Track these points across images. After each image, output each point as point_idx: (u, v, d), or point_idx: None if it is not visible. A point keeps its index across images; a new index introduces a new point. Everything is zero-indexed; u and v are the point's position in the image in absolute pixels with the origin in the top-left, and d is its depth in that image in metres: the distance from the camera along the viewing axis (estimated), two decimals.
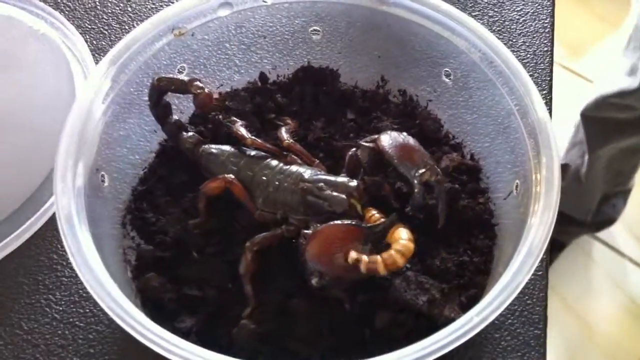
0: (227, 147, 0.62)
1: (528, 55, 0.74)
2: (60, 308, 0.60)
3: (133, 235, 0.61)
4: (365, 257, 0.49)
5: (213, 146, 0.62)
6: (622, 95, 1.16)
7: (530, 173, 0.54)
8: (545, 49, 0.74)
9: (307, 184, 0.57)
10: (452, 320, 0.49)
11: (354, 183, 0.55)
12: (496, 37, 0.60)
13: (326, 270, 0.51)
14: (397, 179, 0.60)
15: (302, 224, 0.56)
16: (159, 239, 0.60)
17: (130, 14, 0.77)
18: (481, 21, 0.75)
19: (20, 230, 0.63)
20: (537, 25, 0.76)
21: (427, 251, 0.57)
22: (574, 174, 1.32)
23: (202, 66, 0.66)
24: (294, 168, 0.59)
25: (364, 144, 0.57)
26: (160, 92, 0.61)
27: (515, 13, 0.77)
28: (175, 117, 0.64)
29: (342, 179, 0.56)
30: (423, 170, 0.55)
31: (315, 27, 0.67)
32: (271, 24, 0.67)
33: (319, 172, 0.58)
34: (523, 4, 0.77)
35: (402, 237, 0.50)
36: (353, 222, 0.51)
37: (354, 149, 0.58)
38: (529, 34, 0.75)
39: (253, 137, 0.62)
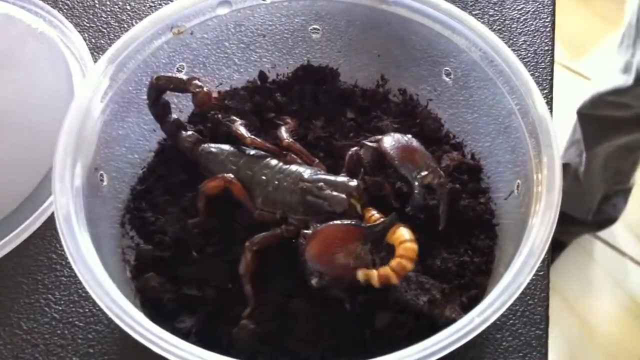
0: (226, 146, 0.62)
1: (529, 55, 0.73)
2: (60, 308, 0.59)
3: (132, 234, 0.60)
4: (374, 272, 0.49)
5: (212, 145, 0.62)
6: (617, 92, 1.16)
7: (531, 173, 0.54)
8: (546, 48, 0.74)
9: (306, 183, 0.56)
10: (453, 320, 0.48)
11: (353, 183, 0.55)
12: (497, 36, 0.60)
13: (326, 270, 0.51)
14: (397, 179, 0.60)
15: (301, 223, 0.56)
16: (158, 239, 0.60)
17: (129, 12, 0.77)
18: (482, 20, 0.75)
19: (19, 230, 0.63)
20: (537, 24, 0.75)
21: (427, 251, 0.57)
22: (572, 173, 1.32)
23: (201, 65, 0.66)
24: (293, 167, 0.58)
25: (368, 143, 0.57)
26: (159, 91, 0.61)
27: (516, 12, 0.76)
28: (174, 116, 0.63)
29: (342, 178, 0.56)
30: (425, 172, 0.54)
31: (314, 26, 0.67)
32: (270, 23, 0.67)
33: (318, 172, 0.58)
34: (524, 3, 0.77)
35: (404, 237, 0.49)
36: (353, 222, 0.51)
37: (354, 149, 0.58)
38: (529, 33, 0.75)
39: (252, 136, 0.61)
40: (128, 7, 0.77)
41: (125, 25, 0.76)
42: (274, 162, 0.59)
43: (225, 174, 0.58)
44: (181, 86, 0.60)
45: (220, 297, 0.56)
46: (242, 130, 0.62)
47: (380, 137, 0.56)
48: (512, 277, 0.48)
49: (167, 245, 0.59)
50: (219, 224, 0.60)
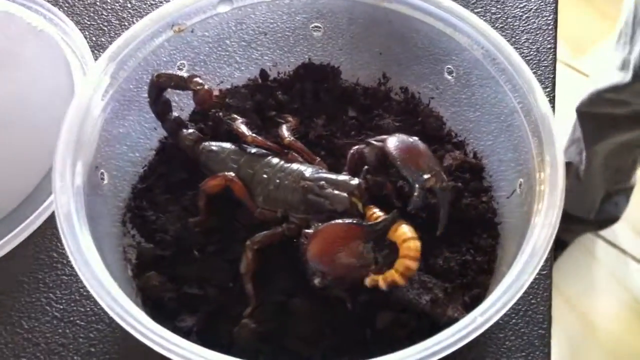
0: (227, 145, 0.61)
1: (531, 53, 0.73)
2: (61, 307, 0.59)
3: (133, 233, 0.60)
4: (380, 277, 0.49)
5: (213, 143, 0.62)
6: (615, 90, 1.15)
7: (533, 171, 0.54)
8: (549, 46, 0.73)
9: (308, 182, 0.56)
10: (456, 320, 0.48)
11: (355, 181, 0.55)
12: (499, 34, 0.60)
13: (328, 270, 0.50)
14: (400, 179, 0.59)
15: (302, 222, 0.56)
16: (159, 237, 0.59)
17: (129, 10, 0.77)
18: (484, 18, 0.75)
19: (19, 229, 0.62)
20: (540, 22, 0.75)
21: (430, 250, 0.56)
22: (573, 171, 1.32)
23: (202, 63, 0.66)
24: (294, 166, 0.58)
25: (373, 142, 0.56)
26: (159, 89, 0.61)
27: (518, 10, 0.76)
28: (175, 114, 0.63)
29: (343, 177, 0.56)
30: (428, 176, 0.54)
31: (316, 24, 0.67)
32: (272, 21, 0.66)
33: (320, 170, 0.58)
34: (526, 1, 0.77)
35: (406, 235, 0.49)
36: (354, 221, 0.51)
37: (357, 147, 0.58)
38: (532, 30, 0.74)
39: (254, 135, 0.61)
40: (129, 5, 0.77)
41: (126, 23, 0.76)
42: (275, 160, 0.59)
43: (226, 173, 0.58)
44: (182, 84, 0.60)
45: (221, 296, 0.56)
46: (243, 128, 0.61)
47: (386, 137, 0.56)
48: (514, 276, 0.48)
49: (168, 244, 0.59)
50: (219, 223, 0.59)
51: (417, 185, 0.53)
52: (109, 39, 0.74)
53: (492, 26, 0.63)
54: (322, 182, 0.56)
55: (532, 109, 0.56)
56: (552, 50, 0.73)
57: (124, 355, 0.57)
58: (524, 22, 0.75)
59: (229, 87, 0.68)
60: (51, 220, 0.63)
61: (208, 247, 0.59)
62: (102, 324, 0.58)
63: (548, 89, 0.70)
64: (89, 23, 0.76)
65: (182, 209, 0.61)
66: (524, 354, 0.56)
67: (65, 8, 0.76)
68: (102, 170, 0.57)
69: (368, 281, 0.50)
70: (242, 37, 0.66)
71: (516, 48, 0.71)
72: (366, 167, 0.56)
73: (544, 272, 0.59)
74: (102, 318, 0.58)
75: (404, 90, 0.68)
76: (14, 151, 0.68)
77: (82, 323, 0.58)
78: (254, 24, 0.66)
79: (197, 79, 0.60)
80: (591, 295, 1.47)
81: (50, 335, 0.58)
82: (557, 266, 1.44)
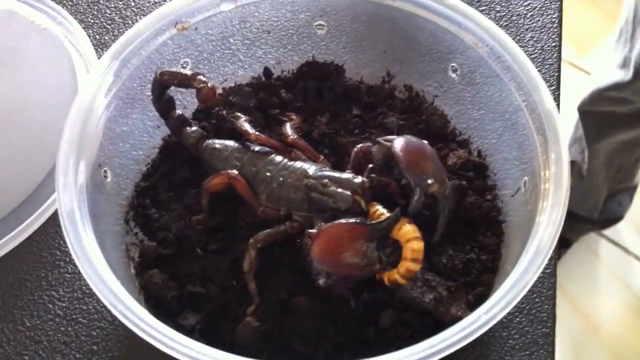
0: (231, 142, 0.61)
1: (536, 51, 0.73)
2: (63, 305, 0.59)
3: (136, 231, 0.60)
4: (386, 276, 0.50)
5: (217, 141, 0.62)
6: (616, 88, 1.15)
7: (538, 169, 0.53)
8: (553, 44, 0.73)
9: (311, 180, 0.56)
10: (459, 318, 0.48)
11: (358, 180, 0.55)
12: (503, 32, 0.59)
13: (332, 270, 0.50)
14: (404, 177, 0.59)
15: (306, 220, 0.56)
16: (162, 236, 0.59)
17: (133, 9, 0.77)
18: (488, 16, 0.74)
19: (22, 227, 0.62)
20: (544, 20, 0.75)
21: (433, 249, 0.56)
22: (576, 170, 1.32)
23: (206, 61, 0.65)
24: (298, 164, 0.58)
25: (382, 142, 0.56)
26: (163, 86, 0.61)
27: (523, 7, 0.76)
28: (178, 111, 0.63)
29: (346, 175, 0.56)
30: (431, 181, 0.53)
31: (320, 22, 0.67)
32: (275, 19, 0.66)
33: (323, 169, 0.57)
34: None
35: (409, 235, 0.49)
36: (357, 221, 0.51)
37: (360, 145, 0.58)
38: (536, 28, 0.74)
39: (257, 133, 0.61)
40: (132, 3, 0.77)
41: (129, 22, 0.76)
42: (278, 158, 0.59)
43: (229, 171, 0.58)
44: (185, 81, 0.60)
45: (223, 294, 0.56)
46: (247, 126, 0.61)
47: (395, 137, 0.55)
48: (519, 275, 0.48)
49: (171, 242, 0.59)
50: (222, 221, 0.59)
51: (418, 189, 0.53)
52: (112, 37, 0.74)
53: (496, 24, 0.62)
54: (326, 180, 0.55)
55: (537, 107, 0.55)
56: (556, 48, 0.73)
57: (126, 354, 0.57)
58: (528, 20, 0.75)
59: (232, 85, 0.68)
60: (54, 218, 0.63)
61: (211, 246, 0.58)
62: (105, 322, 0.58)
63: (553, 87, 0.70)
64: (92, 21, 0.76)
65: (185, 207, 0.61)
66: (527, 352, 0.56)
67: (69, 6, 0.76)
68: (105, 169, 0.57)
69: (378, 277, 0.51)
70: (245, 35, 0.66)
71: (521, 46, 0.70)
72: (371, 165, 0.56)
73: (548, 270, 0.59)
74: (105, 316, 0.58)
75: (408, 89, 0.68)
76: (17, 149, 0.68)
77: (85, 321, 0.58)
78: (258, 22, 0.66)
79: (201, 77, 0.59)
80: (594, 294, 1.47)
81: (53, 333, 0.58)
82: (560, 265, 1.44)
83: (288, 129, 0.61)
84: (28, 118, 0.70)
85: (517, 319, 0.57)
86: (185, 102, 0.66)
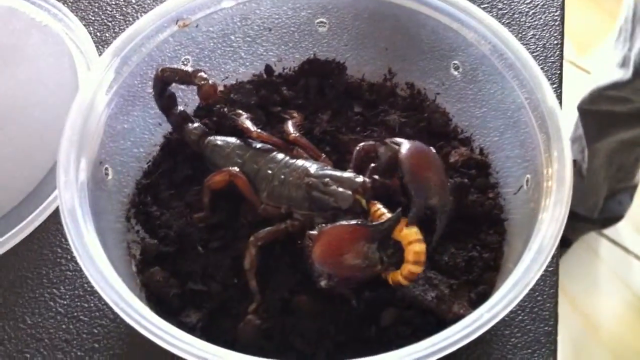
0: (232, 139, 0.61)
1: (538, 49, 0.73)
2: (65, 302, 0.59)
3: (137, 229, 0.60)
4: (390, 276, 0.50)
5: (218, 138, 0.62)
6: (616, 87, 1.15)
7: (541, 167, 0.53)
8: (555, 42, 0.73)
9: (312, 178, 0.56)
10: (462, 316, 0.48)
11: (359, 179, 0.55)
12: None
13: (334, 271, 0.50)
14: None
15: (306, 219, 0.55)
16: (163, 233, 0.59)
17: (134, 6, 0.77)
18: (490, 13, 0.74)
19: (23, 224, 0.62)
20: (547, 18, 0.74)
21: (435, 247, 0.56)
22: (576, 169, 1.32)
23: (207, 58, 0.65)
24: (299, 162, 0.58)
25: (389, 143, 0.55)
26: (164, 83, 0.61)
27: (525, 5, 0.76)
28: (180, 108, 0.63)
29: (348, 174, 0.56)
30: (434, 194, 0.52)
31: (321, 19, 0.66)
32: (277, 16, 0.66)
33: (325, 167, 0.57)
34: None
35: (411, 237, 0.49)
36: (359, 222, 0.50)
37: (363, 144, 0.57)
38: (538, 26, 0.74)
39: (259, 130, 0.61)
40: (133, 0, 0.77)
41: (130, 19, 0.75)
42: (280, 156, 0.59)
43: (230, 168, 0.58)
44: (186, 78, 0.60)
45: (225, 292, 0.56)
46: (248, 123, 0.61)
47: (402, 140, 0.54)
48: (521, 273, 0.48)
49: (172, 239, 0.59)
50: (223, 219, 0.59)
51: (417, 202, 0.52)
52: (113, 34, 0.74)
53: (498, 22, 0.62)
54: (327, 179, 0.55)
55: (539, 105, 0.55)
56: (558, 46, 0.73)
57: (128, 351, 0.57)
58: (530, 18, 0.75)
59: (233, 82, 0.68)
60: (55, 216, 0.63)
61: (212, 243, 0.58)
62: (106, 320, 0.58)
63: (555, 85, 0.70)
64: (93, 18, 0.76)
65: (186, 204, 0.61)
66: (529, 351, 0.56)
67: (70, 3, 0.76)
68: (106, 166, 0.57)
69: (384, 275, 0.51)
70: (246, 33, 0.66)
71: (523, 44, 0.70)
72: (373, 165, 0.56)
73: (550, 269, 0.59)
74: (106, 314, 0.58)
75: (410, 86, 0.67)
76: (18, 146, 0.68)
77: (86, 319, 0.58)
78: (259, 20, 0.66)
79: (202, 74, 0.59)
80: (594, 294, 1.46)
81: (54, 331, 0.58)
82: (560, 265, 1.43)
83: (289, 126, 0.61)
84: (29, 115, 0.69)
85: (520, 317, 0.57)
86: (187, 100, 0.66)
